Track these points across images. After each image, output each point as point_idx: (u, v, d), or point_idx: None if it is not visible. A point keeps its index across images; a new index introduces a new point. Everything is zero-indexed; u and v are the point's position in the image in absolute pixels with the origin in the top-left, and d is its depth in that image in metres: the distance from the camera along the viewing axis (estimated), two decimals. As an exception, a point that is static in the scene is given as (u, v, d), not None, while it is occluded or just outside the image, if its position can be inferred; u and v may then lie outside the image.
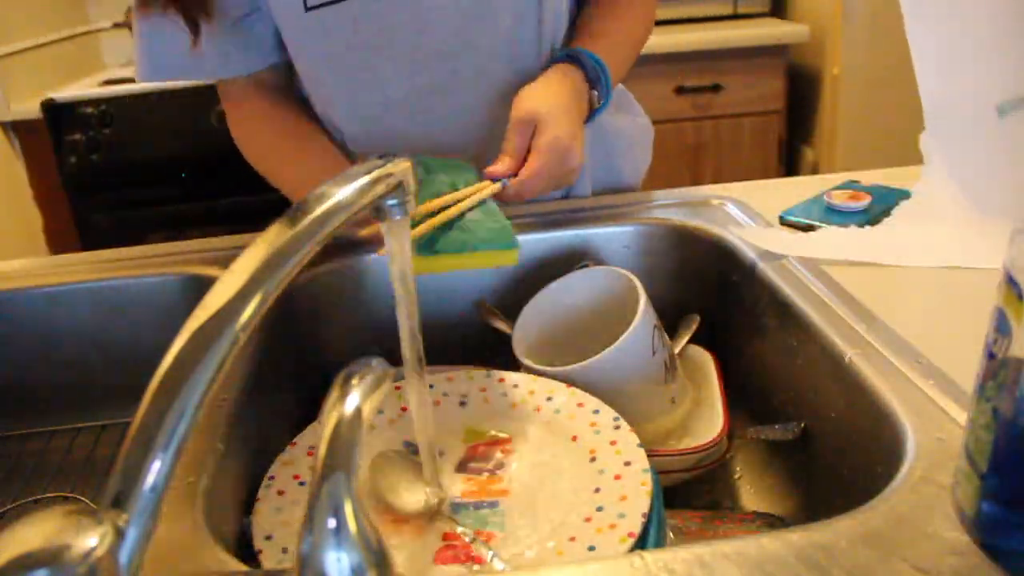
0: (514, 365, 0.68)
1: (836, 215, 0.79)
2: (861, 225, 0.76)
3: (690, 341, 0.75)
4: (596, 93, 0.80)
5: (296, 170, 0.82)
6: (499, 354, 0.73)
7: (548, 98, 0.74)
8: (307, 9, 0.76)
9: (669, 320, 0.79)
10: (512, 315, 0.71)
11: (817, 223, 0.77)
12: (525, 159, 0.73)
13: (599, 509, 0.50)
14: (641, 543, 0.47)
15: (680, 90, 2.23)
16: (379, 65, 0.80)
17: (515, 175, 0.73)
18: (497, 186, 0.71)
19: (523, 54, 0.83)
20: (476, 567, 0.48)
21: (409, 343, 0.52)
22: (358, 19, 0.77)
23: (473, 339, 0.81)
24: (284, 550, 0.49)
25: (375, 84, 0.82)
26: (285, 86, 0.87)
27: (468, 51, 0.81)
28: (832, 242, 0.73)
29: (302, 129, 0.85)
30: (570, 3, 0.88)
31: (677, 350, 0.73)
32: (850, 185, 0.85)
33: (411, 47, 0.80)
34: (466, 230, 0.64)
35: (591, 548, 0.47)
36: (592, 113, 0.80)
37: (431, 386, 0.64)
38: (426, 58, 0.80)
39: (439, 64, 0.81)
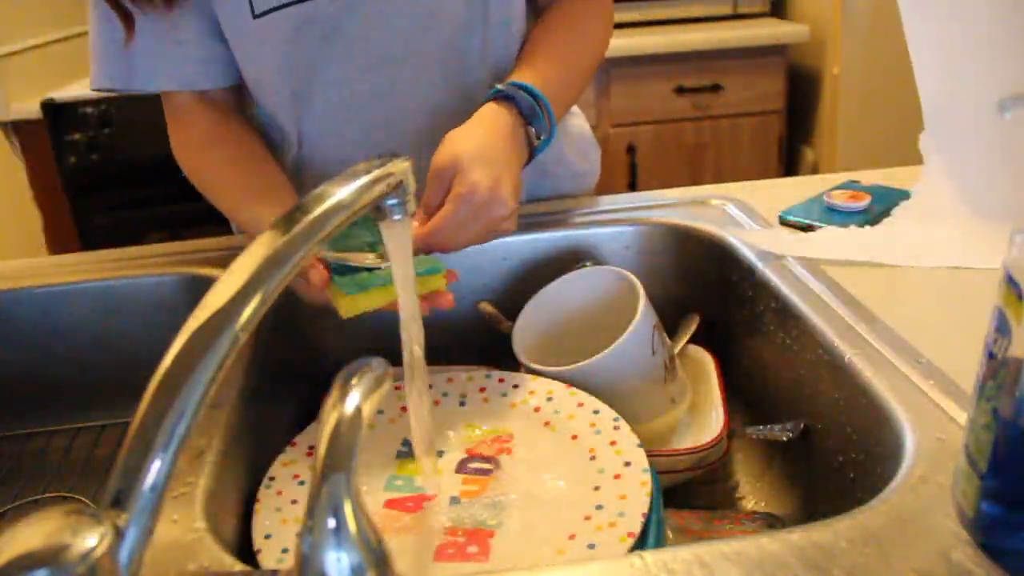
0: (514, 365, 0.68)
1: (836, 215, 0.79)
2: (861, 225, 0.76)
3: (690, 341, 0.75)
4: (534, 129, 0.72)
5: (250, 210, 0.77)
6: (499, 354, 0.73)
7: (471, 140, 0.67)
8: (255, 16, 0.76)
9: (669, 320, 0.79)
10: (512, 315, 0.71)
11: (817, 223, 0.77)
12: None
13: (599, 508, 0.50)
14: (641, 543, 0.47)
15: (680, 90, 2.23)
16: (322, 70, 0.80)
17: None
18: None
19: (464, 67, 0.82)
20: (475, 564, 0.48)
21: (409, 343, 0.52)
22: (301, 25, 0.77)
23: (473, 339, 0.80)
24: (284, 550, 0.49)
25: (318, 89, 0.81)
26: (234, 109, 0.85)
27: (409, 59, 0.80)
28: (832, 242, 0.73)
29: (255, 161, 0.81)
30: (524, 23, 0.85)
31: (677, 350, 0.73)
32: (850, 185, 0.85)
33: (353, 53, 0.79)
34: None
35: (591, 546, 0.47)
36: (533, 151, 0.74)
37: (431, 386, 0.64)
38: (368, 65, 0.80)
39: (379, 71, 0.80)
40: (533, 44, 0.82)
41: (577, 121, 0.98)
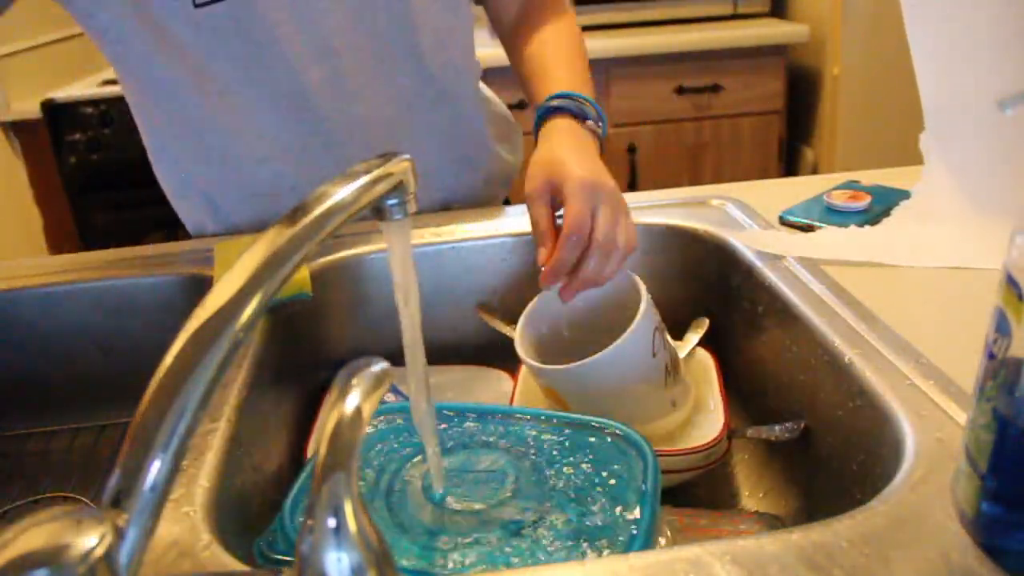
0: (514, 365, 0.68)
1: (836, 215, 0.79)
2: (861, 225, 0.76)
3: (690, 341, 0.75)
4: (591, 123, 0.75)
5: None
6: (500, 354, 0.73)
7: (552, 154, 0.69)
8: (196, 6, 0.77)
9: (669, 320, 0.79)
10: (514, 316, 0.71)
11: (817, 223, 0.77)
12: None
13: None
14: (643, 543, 0.47)
15: (680, 90, 2.23)
16: (266, 62, 0.81)
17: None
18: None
19: (401, 60, 0.85)
20: None
21: (410, 343, 0.52)
22: (240, 18, 0.78)
23: (474, 339, 0.81)
24: None
25: (266, 81, 0.82)
26: None
27: (349, 51, 0.82)
28: (832, 242, 0.73)
29: None
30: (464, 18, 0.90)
31: (685, 353, 0.73)
32: (850, 185, 0.85)
33: (293, 45, 0.80)
34: None
35: None
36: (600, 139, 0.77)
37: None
38: (309, 56, 0.81)
39: (321, 63, 0.82)
40: (537, 58, 0.85)
41: (498, 108, 1.03)
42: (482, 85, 1.01)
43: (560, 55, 0.85)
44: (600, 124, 0.75)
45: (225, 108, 0.84)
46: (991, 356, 0.39)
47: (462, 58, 0.91)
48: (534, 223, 0.67)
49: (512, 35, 0.91)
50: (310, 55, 0.81)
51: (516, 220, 0.83)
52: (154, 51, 0.80)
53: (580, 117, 0.74)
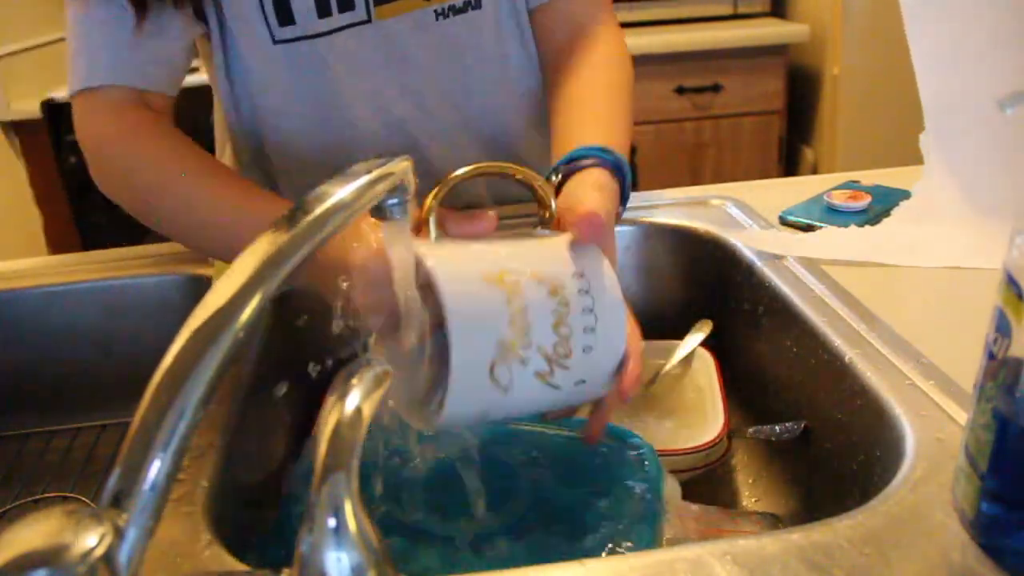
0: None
1: (836, 215, 0.79)
2: (861, 225, 0.76)
3: (690, 341, 0.75)
4: (622, 209, 0.67)
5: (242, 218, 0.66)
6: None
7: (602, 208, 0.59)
8: (275, 43, 0.75)
9: (669, 320, 0.79)
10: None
11: (817, 223, 0.77)
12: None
13: None
14: (643, 543, 0.47)
15: (680, 90, 2.23)
16: (350, 100, 0.80)
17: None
18: None
19: (492, 90, 0.85)
20: None
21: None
22: (326, 56, 0.77)
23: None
24: None
25: (346, 118, 0.81)
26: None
27: (433, 88, 0.82)
28: (832, 242, 0.73)
29: (224, 168, 0.73)
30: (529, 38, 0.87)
31: (686, 354, 0.73)
32: (850, 185, 0.85)
33: (381, 84, 0.80)
34: None
35: None
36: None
37: None
38: (397, 94, 0.81)
39: (407, 99, 0.82)
40: (594, 104, 0.78)
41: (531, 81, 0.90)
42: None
43: (600, 106, 0.77)
44: (622, 213, 0.67)
45: (285, 150, 0.84)
46: (991, 356, 0.39)
47: (516, 120, 0.89)
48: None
49: (553, 70, 0.84)
50: (396, 94, 0.82)
51: (517, 221, 0.83)
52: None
53: (623, 195, 0.65)
